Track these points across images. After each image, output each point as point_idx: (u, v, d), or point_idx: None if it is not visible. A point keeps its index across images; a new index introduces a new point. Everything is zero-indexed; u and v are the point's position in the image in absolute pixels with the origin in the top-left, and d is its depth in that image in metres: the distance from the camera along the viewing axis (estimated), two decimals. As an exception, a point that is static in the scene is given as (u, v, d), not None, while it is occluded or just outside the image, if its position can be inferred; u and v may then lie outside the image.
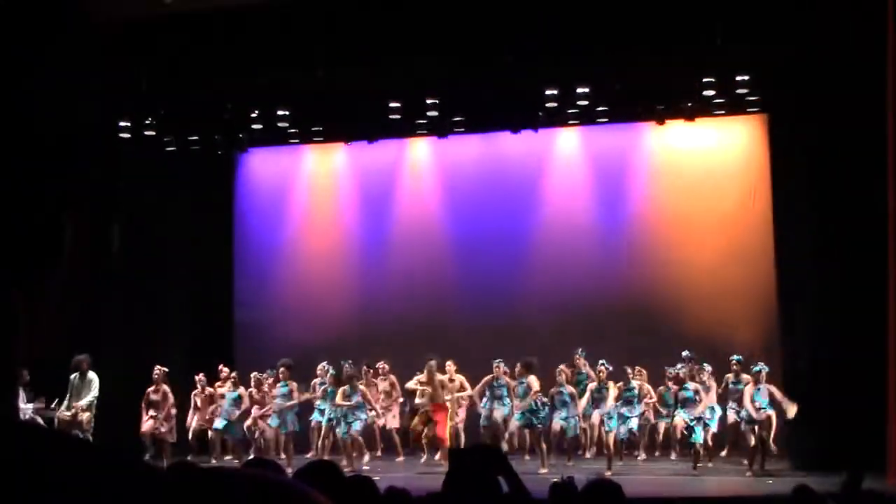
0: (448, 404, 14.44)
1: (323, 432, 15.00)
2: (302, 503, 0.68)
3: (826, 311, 13.70)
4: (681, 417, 13.74)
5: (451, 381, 14.78)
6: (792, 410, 13.38)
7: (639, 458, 15.00)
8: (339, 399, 14.48)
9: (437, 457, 14.38)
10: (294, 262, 18.33)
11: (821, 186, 13.88)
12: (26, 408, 13.40)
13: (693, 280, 16.56)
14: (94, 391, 14.14)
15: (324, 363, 15.27)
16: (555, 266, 16.93)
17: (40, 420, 13.32)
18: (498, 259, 17.13)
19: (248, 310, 18.01)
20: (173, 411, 15.02)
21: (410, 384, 14.87)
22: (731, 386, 14.11)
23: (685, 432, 13.88)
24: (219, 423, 15.14)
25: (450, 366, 14.94)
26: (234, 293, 18.31)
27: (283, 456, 14.67)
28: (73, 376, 14.10)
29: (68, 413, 13.95)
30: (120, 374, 15.13)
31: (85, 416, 14.03)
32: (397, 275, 17.56)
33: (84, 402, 14.06)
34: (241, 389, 15.18)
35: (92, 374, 14.19)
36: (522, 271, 17.12)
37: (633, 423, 14.12)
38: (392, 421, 15.37)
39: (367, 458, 14.75)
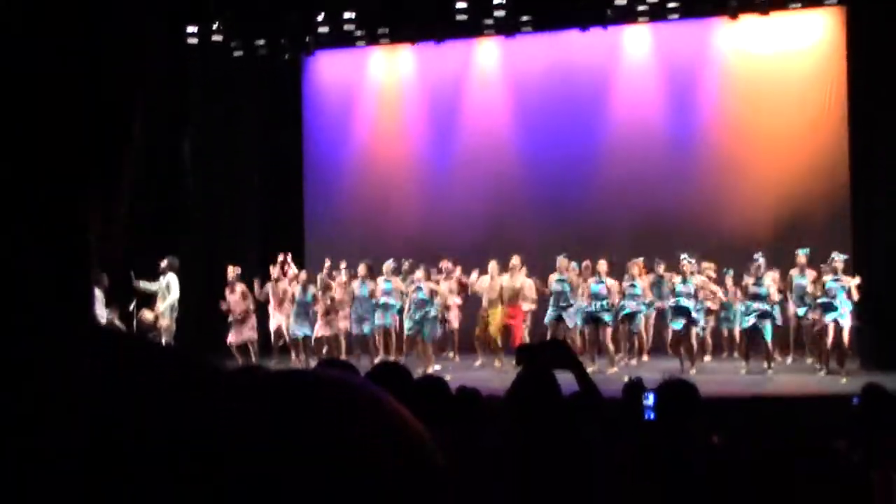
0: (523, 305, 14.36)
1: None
2: (383, 410, 0.67)
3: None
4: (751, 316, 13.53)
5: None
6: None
7: (705, 359, 14.54)
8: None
9: (495, 362, 14.29)
10: (361, 168, 18.31)
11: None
12: (104, 312, 13.64)
13: (765, 187, 16.15)
14: (172, 295, 14.41)
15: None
16: (624, 174, 16.58)
17: (119, 323, 13.64)
18: (565, 167, 16.88)
19: (318, 214, 18.11)
20: (251, 308, 14.99)
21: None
22: (795, 281, 13.75)
23: (752, 331, 13.60)
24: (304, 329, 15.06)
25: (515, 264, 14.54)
26: (303, 200, 18.39)
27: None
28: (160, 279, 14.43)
29: (150, 315, 14.22)
30: (194, 280, 15.32)
31: (163, 321, 14.30)
32: (464, 182, 17.45)
33: (161, 306, 14.36)
34: (312, 289, 15.08)
35: (167, 277, 14.42)
36: (590, 179, 16.87)
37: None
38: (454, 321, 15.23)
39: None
